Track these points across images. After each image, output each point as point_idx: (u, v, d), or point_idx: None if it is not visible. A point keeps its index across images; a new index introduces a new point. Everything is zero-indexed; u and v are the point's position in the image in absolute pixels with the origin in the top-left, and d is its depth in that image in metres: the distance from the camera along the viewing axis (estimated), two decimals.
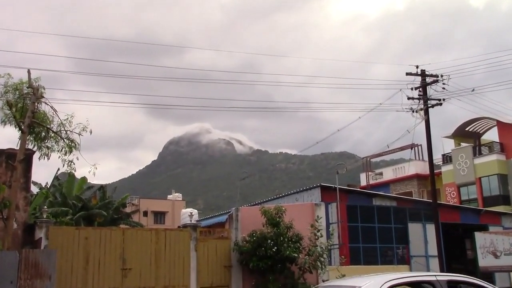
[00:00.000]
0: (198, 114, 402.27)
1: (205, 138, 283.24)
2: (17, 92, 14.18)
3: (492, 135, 41.32)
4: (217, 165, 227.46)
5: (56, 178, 32.10)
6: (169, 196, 73.58)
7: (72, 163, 14.19)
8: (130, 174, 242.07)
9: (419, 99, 22.32)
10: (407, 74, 22.62)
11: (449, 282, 5.98)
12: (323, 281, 16.05)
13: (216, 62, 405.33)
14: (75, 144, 14.30)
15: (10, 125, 14.28)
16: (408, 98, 22.19)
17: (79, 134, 14.00)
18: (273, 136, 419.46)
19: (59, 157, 14.23)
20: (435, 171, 24.89)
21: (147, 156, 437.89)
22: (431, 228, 22.48)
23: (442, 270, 21.21)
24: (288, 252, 15.40)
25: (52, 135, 14.24)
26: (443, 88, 22.21)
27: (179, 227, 18.57)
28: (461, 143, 40.66)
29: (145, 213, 64.92)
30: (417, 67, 22.77)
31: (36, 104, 13.80)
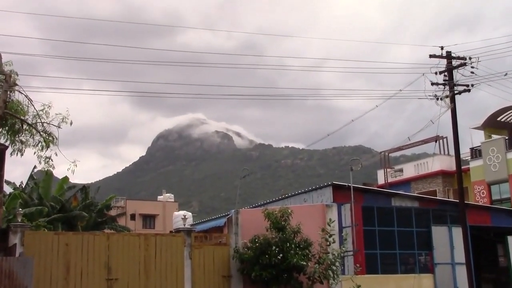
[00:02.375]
0: (191, 103, 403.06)
1: (199, 130, 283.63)
2: None
3: None
4: (213, 162, 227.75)
5: (31, 177, 32.24)
6: (160, 197, 73.79)
7: (50, 160, 14.25)
8: (115, 172, 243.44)
9: (444, 84, 22.29)
10: (431, 56, 22.57)
11: None
12: None
13: (212, 44, 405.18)
14: (53, 138, 14.35)
15: None
16: (432, 84, 22.16)
17: (58, 127, 14.05)
18: (277, 128, 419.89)
19: (34, 153, 14.29)
20: (462, 167, 24.87)
21: (134, 152, 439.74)
22: (458, 232, 22.50)
23: (470, 280, 21.27)
24: (295, 260, 15.47)
25: (27, 127, 14.29)
26: (472, 73, 22.16)
27: (171, 232, 18.67)
28: (492, 135, 40.60)
29: (133, 216, 65.19)
30: (441, 48, 22.73)
31: (8, 92, 13.86)
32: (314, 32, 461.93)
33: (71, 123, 14.07)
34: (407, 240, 22.37)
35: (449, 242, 23.22)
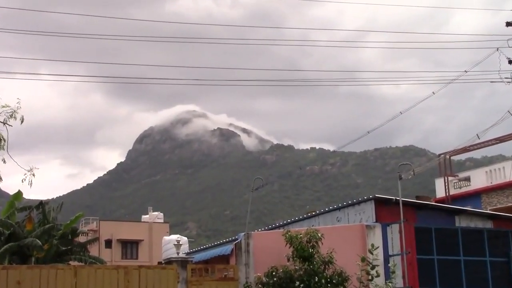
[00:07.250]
0: (184, 91, 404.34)
1: (196, 127, 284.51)
2: None
3: None
4: (215, 169, 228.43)
5: None
6: (144, 217, 74.05)
7: None
8: (85, 185, 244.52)
9: None
10: (508, 24, 22.42)
11: None
12: None
13: (213, 13, 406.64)
14: (1, 140, 14.39)
15: None
16: (510, 62, 22.04)
17: (4, 123, 14.06)
18: (299, 123, 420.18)
19: None
20: None
21: (109, 157, 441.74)
22: None
23: None
24: None
25: None
26: None
27: (160, 263, 18.66)
28: None
29: (109, 243, 65.44)
30: None
31: None
32: None
33: (22, 120, 14.06)
34: (478, 274, 22.27)
35: None
